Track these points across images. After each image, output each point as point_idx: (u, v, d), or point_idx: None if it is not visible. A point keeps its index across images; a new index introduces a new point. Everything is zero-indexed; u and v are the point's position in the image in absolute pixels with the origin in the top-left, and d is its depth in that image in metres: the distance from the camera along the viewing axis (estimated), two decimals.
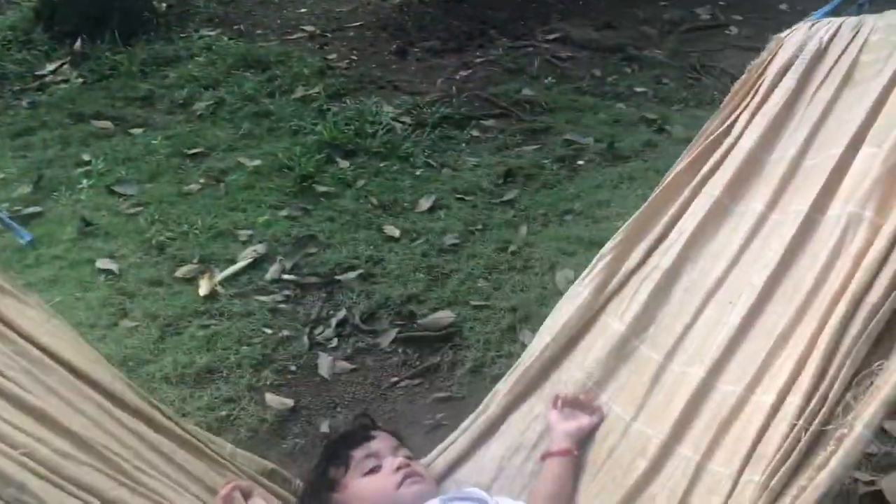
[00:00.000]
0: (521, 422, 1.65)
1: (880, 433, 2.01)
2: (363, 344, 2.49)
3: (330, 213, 3.20)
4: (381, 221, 3.15)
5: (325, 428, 2.16)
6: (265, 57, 4.53)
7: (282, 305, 2.68)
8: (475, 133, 3.84)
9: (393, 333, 2.51)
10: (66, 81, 4.40)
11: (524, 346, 2.38)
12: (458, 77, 4.41)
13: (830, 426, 1.16)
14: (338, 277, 2.81)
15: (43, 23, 4.84)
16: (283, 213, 3.21)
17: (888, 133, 1.41)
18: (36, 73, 4.52)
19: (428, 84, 4.34)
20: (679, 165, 1.74)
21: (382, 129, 3.76)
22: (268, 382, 2.33)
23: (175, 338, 2.52)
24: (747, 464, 1.26)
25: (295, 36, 5.05)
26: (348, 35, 5.07)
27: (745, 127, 1.67)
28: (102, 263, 2.89)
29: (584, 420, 1.56)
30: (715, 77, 4.44)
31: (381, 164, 3.54)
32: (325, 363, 2.39)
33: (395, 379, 2.35)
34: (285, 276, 2.82)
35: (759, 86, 1.71)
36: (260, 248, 2.95)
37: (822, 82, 1.62)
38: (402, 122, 3.86)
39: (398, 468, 1.52)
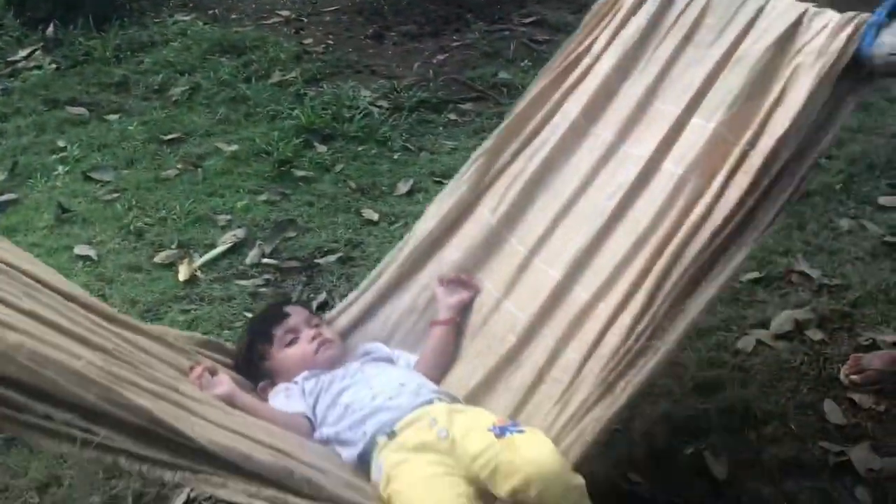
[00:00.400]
0: (412, 290, 1.98)
1: (849, 405, 2.07)
2: None
3: (308, 197, 3.20)
4: (360, 205, 3.16)
5: None
6: (241, 42, 4.50)
7: (262, 290, 2.69)
8: (452, 117, 3.85)
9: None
10: (39, 68, 4.34)
11: None
12: (435, 61, 4.41)
13: (650, 343, 1.50)
14: (317, 261, 2.82)
15: (14, 8, 4.76)
16: (262, 197, 3.20)
17: (717, 109, 1.65)
18: (8, 59, 4.46)
19: (405, 68, 4.34)
20: (544, 80, 1.99)
21: (360, 113, 3.76)
22: None
23: (155, 323, 2.52)
24: (590, 357, 1.59)
25: (270, 20, 5.02)
26: (324, 19, 5.04)
27: (604, 50, 1.91)
28: (80, 250, 2.88)
29: (464, 294, 1.91)
30: None
31: (359, 149, 3.54)
32: None
33: None
34: (265, 261, 2.83)
35: (618, 10, 1.93)
36: (239, 233, 2.95)
37: (668, 31, 1.84)
38: (380, 107, 3.86)
39: (313, 338, 1.83)
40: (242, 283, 2.71)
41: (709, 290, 1.51)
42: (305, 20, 5.02)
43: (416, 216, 3.02)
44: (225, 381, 1.65)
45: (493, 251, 1.94)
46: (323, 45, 4.60)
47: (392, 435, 1.56)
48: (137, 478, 1.95)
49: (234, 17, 5.06)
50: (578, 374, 1.58)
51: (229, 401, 1.59)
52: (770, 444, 1.96)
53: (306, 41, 4.67)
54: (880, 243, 2.73)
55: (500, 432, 1.47)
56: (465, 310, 1.90)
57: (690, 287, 1.52)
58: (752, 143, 1.56)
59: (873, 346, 2.24)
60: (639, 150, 1.76)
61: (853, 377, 2.11)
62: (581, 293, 1.70)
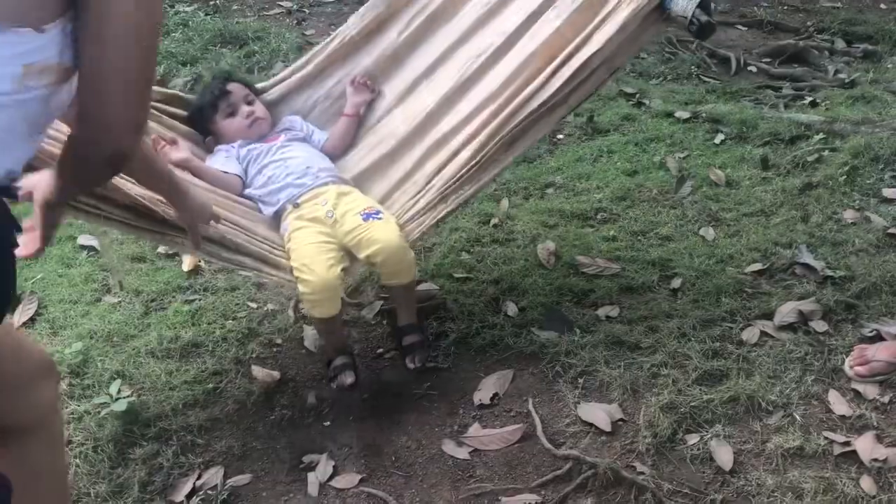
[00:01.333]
0: (329, 81, 2.52)
1: (854, 396, 2.07)
2: (348, 316, 2.50)
3: None
4: None
5: (311, 399, 2.18)
6: (243, 33, 4.49)
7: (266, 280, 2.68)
8: None
9: (378, 306, 2.53)
10: None
11: (507, 317, 2.42)
12: None
13: (476, 175, 2.09)
14: None
15: None
16: None
17: (567, 9, 2.16)
18: None
19: None
20: None
21: None
22: (254, 355, 2.34)
23: (159, 313, 2.52)
24: (438, 174, 2.15)
25: (272, 11, 5.01)
26: (326, 10, 5.03)
27: None
28: (84, 240, 2.88)
29: (367, 95, 2.46)
30: (692, 52, 4.47)
31: None
32: (310, 336, 2.41)
33: (381, 350, 2.37)
34: None
35: None
36: None
37: None
38: None
39: (248, 115, 2.38)
40: (245, 273, 2.70)
41: (517, 150, 2.09)
42: (307, 11, 5.01)
43: None
44: (182, 148, 2.22)
45: (394, 66, 2.46)
46: (325, 37, 4.57)
47: (297, 206, 2.17)
48: (143, 466, 1.96)
49: (235, 7, 5.04)
50: (428, 184, 2.15)
51: (184, 163, 2.15)
52: (775, 434, 1.95)
53: (308, 32, 4.65)
54: (885, 235, 2.72)
55: (366, 217, 2.08)
56: (366, 108, 2.46)
57: (509, 143, 2.07)
58: (579, 47, 2.04)
59: (878, 338, 2.24)
60: (504, 26, 2.29)
61: (858, 368, 2.11)
62: (444, 124, 2.26)
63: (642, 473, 1.86)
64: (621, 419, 2.04)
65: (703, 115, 3.70)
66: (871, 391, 2.07)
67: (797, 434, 1.95)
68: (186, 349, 2.35)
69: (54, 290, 2.62)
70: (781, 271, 2.58)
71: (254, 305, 2.56)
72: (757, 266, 2.60)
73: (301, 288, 2.01)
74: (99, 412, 2.11)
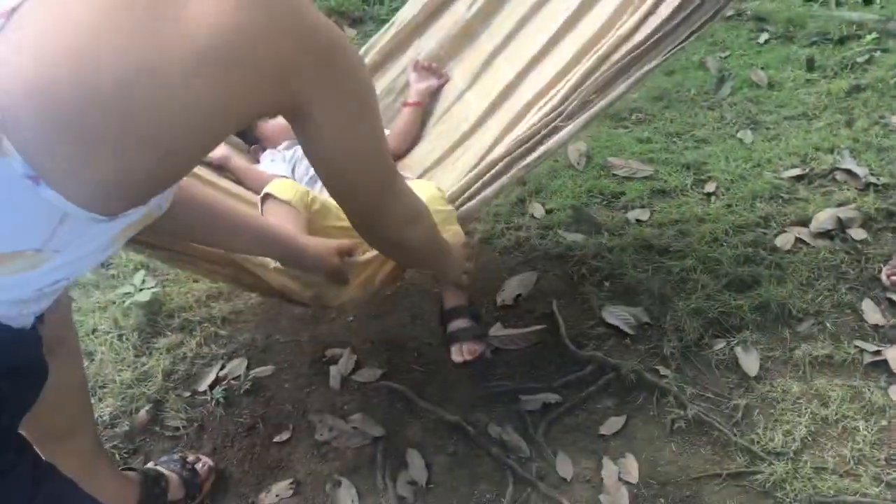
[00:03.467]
0: (392, 72, 2.26)
1: (888, 305, 2.01)
2: None
3: None
4: None
5: None
6: None
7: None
8: None
9: None
10: None
11: (533, 219, 2.37)
12: None
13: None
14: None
15: None
16: None
17: None
18: None
19: None
20: None
21: None
22: None
23: None
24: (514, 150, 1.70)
25: None
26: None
27: None
28: None
29: (433, 81, 2.18)
30: None
31: None
32: None
33: None
34: None
35: None
36: None
37: None
38: None
39: None
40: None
41: (617, 91, 1.67)
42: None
43: None
44: (221, 147, 1.95)
45: (464, 44, 2.19)
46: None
47: None
48: (167, 356, 1.98)
49: None
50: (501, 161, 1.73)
51: (224, 163, 1.95)
52: (804, 342, 1.91)
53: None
54: None
55: None
56: (432, 95, 2.18)
57: (604, 88, 1.68)
58: None
59: None
60: None
61: (895, 278, 2.05)
62: (526, 92, 1.92)
63: (665, 377, 1.84)
64: (647, 323, 2.00)
65: (748, 12, 3.52)
66: None
67: (827, 342, 1.91)
68: None
69: None
70: (821, 177, 2.49)
71: None
72: (795, 171, 2.51)
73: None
74: (123, 302, 2.12)
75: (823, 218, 2.28)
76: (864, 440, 1.66)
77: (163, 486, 1.59)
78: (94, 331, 2.06)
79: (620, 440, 1.71)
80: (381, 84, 2.24)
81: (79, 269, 0.95)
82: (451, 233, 1.62)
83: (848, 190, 2.41)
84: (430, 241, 1.38)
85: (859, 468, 1.61)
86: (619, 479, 1.63)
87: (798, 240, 2.23)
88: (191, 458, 1.68)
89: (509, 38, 2.08)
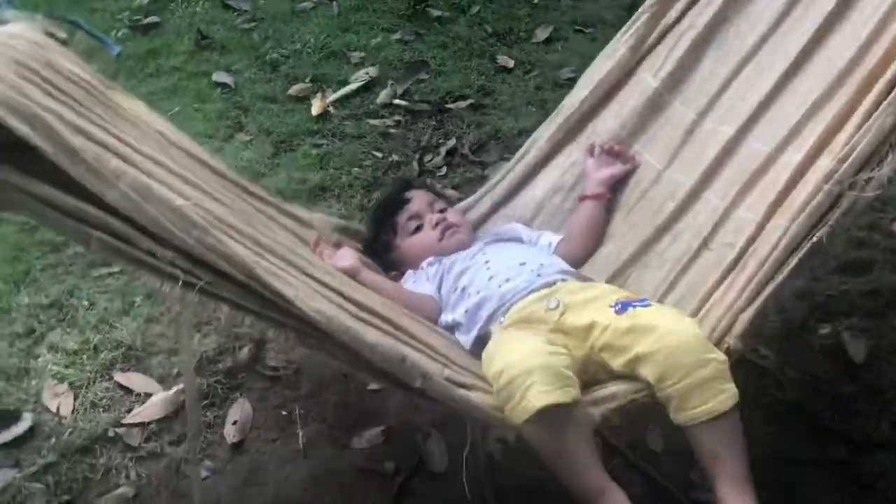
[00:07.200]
0: (559, 166, 1.84)
1: None
2: (471, 174, 2.48)
3: (443, 38, 3.11)
4: (495, 51, 3.05)
5: None
6: None
7: (392, 130, 2.67)
8: None
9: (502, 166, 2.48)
10: None
11: None
12: None
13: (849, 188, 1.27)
14: (448, 106, 2.76)
15: None
16: (396, 36, 3.13)
17: None
18: None
19: None
20: None
21: None
22: None
23: (288, 154, 2.56)
24: (774, 212, 1.39)
25: None
26: None
27: None
28: (218, 77, 2.93)
29: (618, 167, 1.74)
30: None
31: None
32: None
33: None
34: (396, 101, 2.79)
35: None
36: (372, 71, 2.92)
37: None
38: None
39: (436, 224, 1.75)
40: (373, 122, 2.70)
41: None
42: None
43: (554, 66, 2.94)
44: (349, 256, 1.59)
45: (654, 118, 1.76)
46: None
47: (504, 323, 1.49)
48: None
49: None
50: (759, 234, 1.40)
51: (353, 275, 1.53)
52: None
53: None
54: None
55: (622, 308, 1.35)
56: (617, 185, 1.74)
57: None
58: None
59: None
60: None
61: None
62: (757, 146, 1.52)
63: (766, 357, 1.80)
64: None
65: None
66: None
67: None
68: (314, 192, 2.39)
69: (190, 124, 2.68)
70: None
71: (379, 155, 2.55)
72: None
73: (501, 381, 1.25)
74: None
75: None
76: None
77: None
78: None
79: None
80: (544, 183, 1.85)
81: None
82: (726, 396, 1.26)
83: None
84: None
85: None
86: None
87: None
88: None
89: (716, 97, 1.67)
